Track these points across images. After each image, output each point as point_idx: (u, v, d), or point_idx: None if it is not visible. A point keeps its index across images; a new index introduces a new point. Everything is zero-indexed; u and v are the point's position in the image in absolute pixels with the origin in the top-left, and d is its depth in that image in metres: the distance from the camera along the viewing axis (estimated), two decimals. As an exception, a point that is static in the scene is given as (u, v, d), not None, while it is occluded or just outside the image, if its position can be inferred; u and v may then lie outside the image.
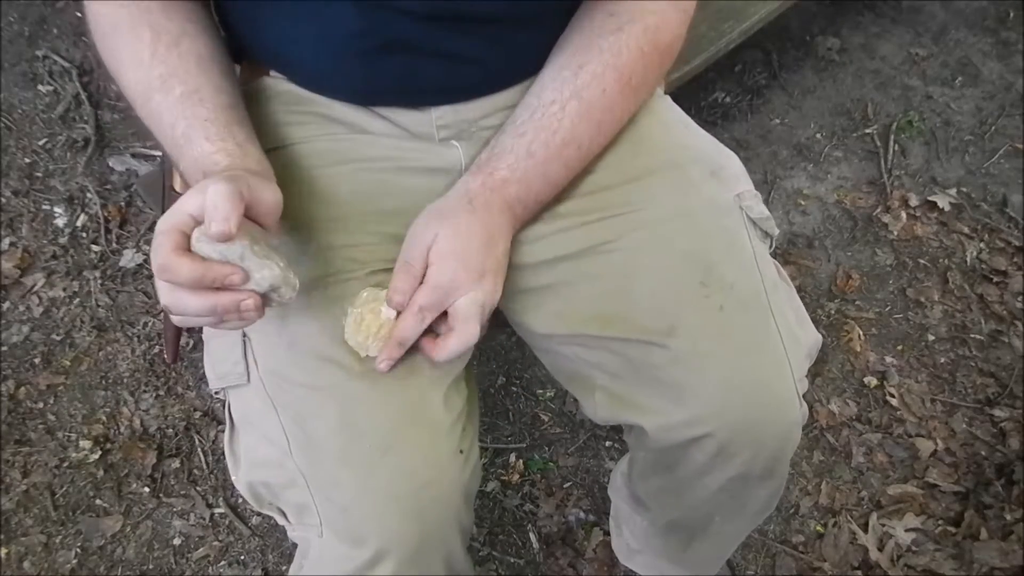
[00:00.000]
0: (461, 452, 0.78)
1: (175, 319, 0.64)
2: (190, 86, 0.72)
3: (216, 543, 1.35)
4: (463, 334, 0.74)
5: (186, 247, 0.61)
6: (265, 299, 0.65)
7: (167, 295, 0.62)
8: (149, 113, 0.74)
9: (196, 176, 0.69)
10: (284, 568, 1.34)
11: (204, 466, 1.42)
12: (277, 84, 0.84)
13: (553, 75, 0.78)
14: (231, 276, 0.62)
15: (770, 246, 0.89)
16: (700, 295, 0.80)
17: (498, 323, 0.88)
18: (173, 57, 0.73)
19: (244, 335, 0.78)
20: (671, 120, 0.91)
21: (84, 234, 1.64)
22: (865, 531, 1.41)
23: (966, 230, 1.79)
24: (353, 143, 0.81)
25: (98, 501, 1.37)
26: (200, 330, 0.85)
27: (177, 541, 1.35)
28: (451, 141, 0.82)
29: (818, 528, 1.42)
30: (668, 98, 0.94)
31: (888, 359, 1.61)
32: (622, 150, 0.84)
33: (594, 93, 0.77)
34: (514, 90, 0.83)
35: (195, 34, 0.75)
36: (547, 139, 0.77)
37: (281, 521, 0.81)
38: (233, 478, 0.82)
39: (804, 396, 0.84)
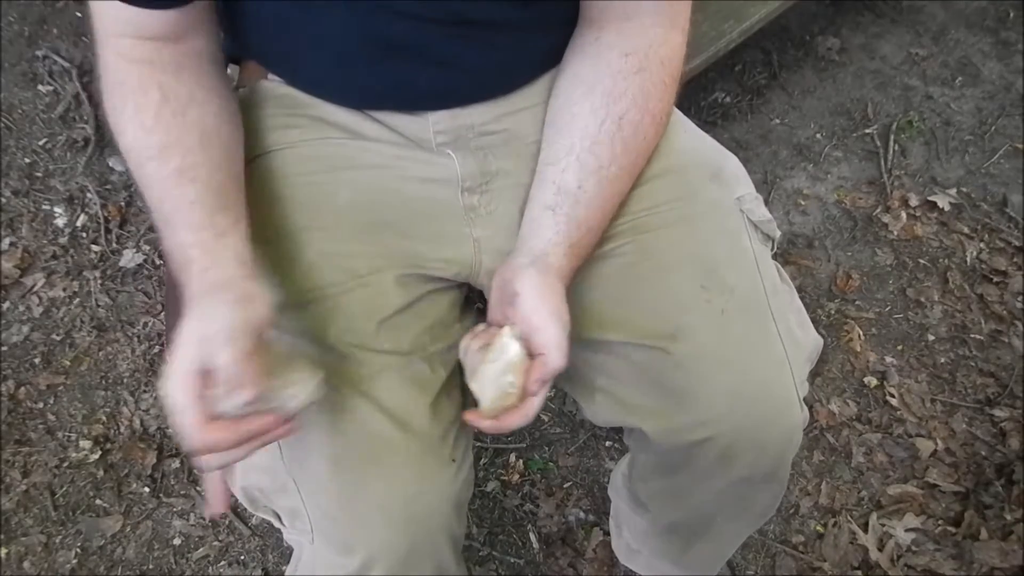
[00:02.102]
0: (453, 461, 0.78)
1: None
2: (187, 161, 0.70)
3: (216, 543, 1.35)
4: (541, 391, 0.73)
5: (210, 413, 0.62)
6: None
7: (213, 461, 0.64)
8: (140, 178, 0.72)
9: (177, 259, 0.69)
10: (284, 568, 1.34)
11: (204, 466, 1.42)
12: (275, 87, 0.83)
13: (596, 126, 0.77)
14: (270, 427, 0.64)
15: (771, 249, 0.88)
16: (702, 299, 0.80)
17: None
18: (177, 126, 0.71)
19: None
20: (671, 124, 0.91)
21: (84, 234, 1.64)
22: (865, 531, 1.41)
23: (966, 230, 1.79)
24: (349, 148, 0.81)
25: (98, 501, 1.37)
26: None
27: (177, 541, 1.35)
28: (447, 151, 0.82)
29: (818, 528, 1.42)
30: None
31: (888, 359, 1.61)
32: None
33: (639, 144, 0.79)
34: (511, 96, 0.82)
35: (204, 101, 0.74)
36: (602, 206, 0.78)
37: (277, 524, 0.82)
38: (228, 482, 0.82)
39: (804, 398, 0.84)
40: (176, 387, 0.62)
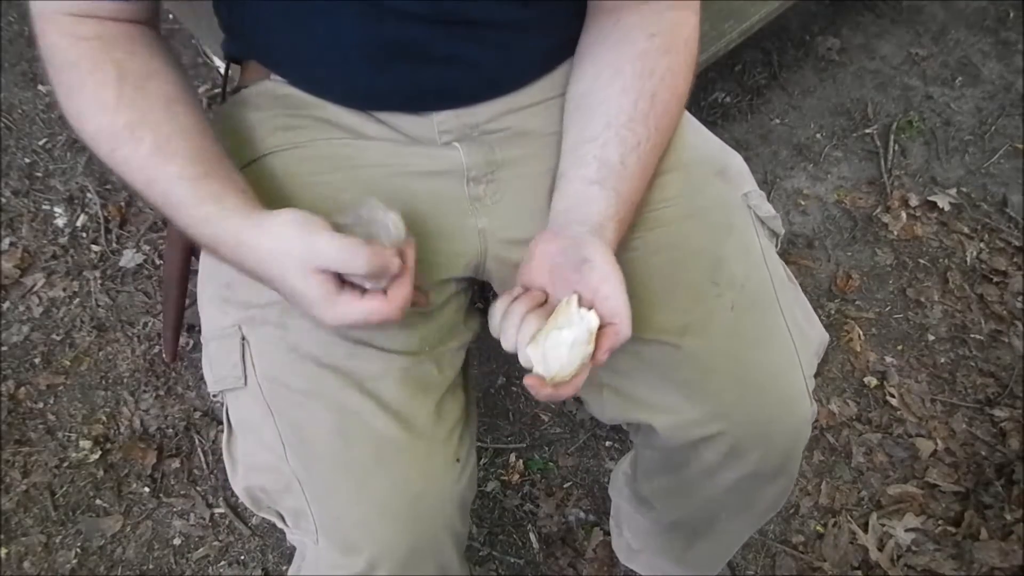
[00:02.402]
0: (457, 461, 0.78)
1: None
2: (161, 135, 0.68)
3: (216, 543, 1.35)
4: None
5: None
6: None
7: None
8: (116, 164, 0.70)
9: (197, 236, 0.69)
10: (284, 568, 1.34)
11: (204, 466, 1.42)
12: (277, 88, 0.83)
13: (631, 104, 0.77)
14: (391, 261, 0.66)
15: (776, 245, 0.89)
16: (711, 294, 0.80)
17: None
18: (140, 100, 0.69)
19: (243, 338, 0.78)
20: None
21: (84, 234, 1.64)
22: (865, 531, 1.41)
23: (966, 230, 1.79)
24: (352, 148, 0.81)
25: (98, 501, 1.37)
26: (199, 330, 0.85)
27: (177, 541, 1.35)
28: (452, 143, 0.82)
29: (818, 528, 1.42)
30: None
31: (888, 359, 1.61)
32: None
33: (669, 123, 0.79)
34: (516, 94, 0.82)
35: (161, 71, 0.72)
36: (641, 184, 0.77)
37: (280, 524, 0.81)
38: (231, 482, 0.82)
39: (812, 392, 0.84)
40: (346, 312, 0.65)
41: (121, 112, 0.68)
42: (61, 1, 0.69)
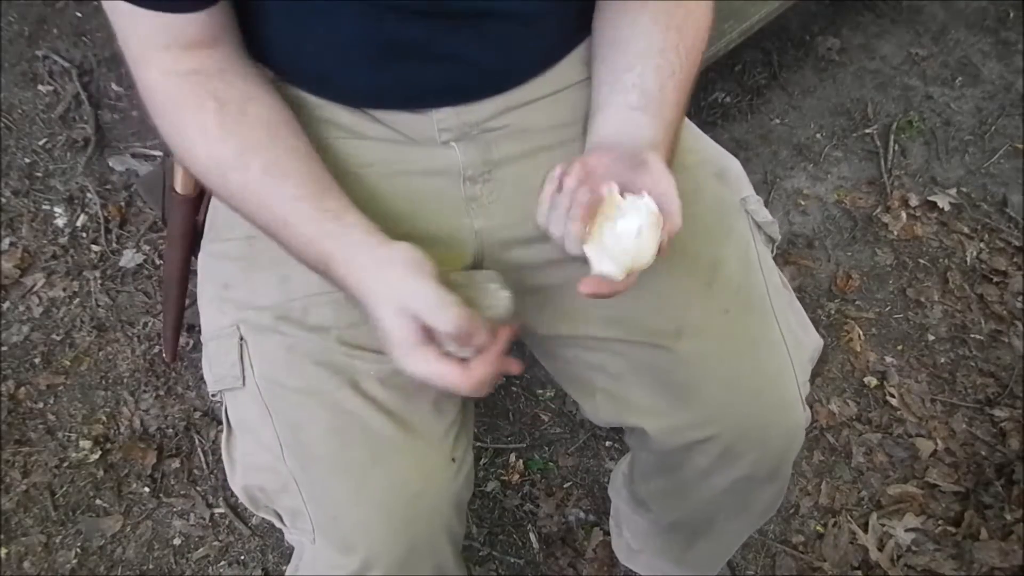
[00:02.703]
0: (454, 460, 0.78)
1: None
2: (268, 158, 0.70)
3: (216, 543, 1.35)
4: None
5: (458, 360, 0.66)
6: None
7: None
8: (227, 192, 0.72)
9: (309, 257, 0.70)
10: (284, 568, 1.33)
11: (204, 466, 1.42)
12: (279, 88, 0.83)
13: (660, 35, 0.76)
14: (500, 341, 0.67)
15: (772, 250, 0.89)
16: (706, 297, 0.80)
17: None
18: (243, 128, 0.70)
19: (241, 339, 0.78)
20: None
21: (84, 234, 1.64)
22: (865, 531, 1.41)
23: (966, 230, 1.79)
24: (350, 146, 0.81)
25: (98, 501, 1.37)
26: (199, 330, 0.85)
27: (177, 541, 1.35)
28: (450, 143, 0.81)
29: (818, 528, 1.42)
30: None
31: (888, 359, 1.61)
32: None
33: (694, 59, 0.77)
34: (517, 91, 0.82)
35: (256, 96, 0.73)
36: (679, 115, 0.76)
37: (278, 524, 0.82)
38: (230, 482, 0.82)
39: (805, 398, 0.84)
40: (419, 364, 0.65)
41: (227, 140, 0.70)
42: (154, 38, 0.69)
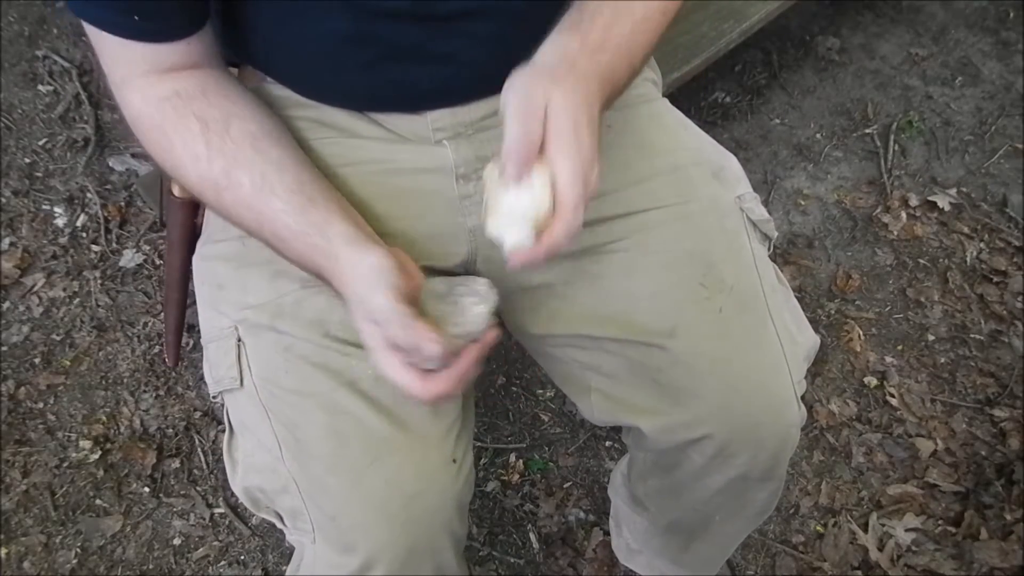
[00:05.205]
0: (454, 461, 0.78)
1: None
2: (255, 175, 0.70)
3: (216, 543, 1.35)
4: (573, 222, 0.62)
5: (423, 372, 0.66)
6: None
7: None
8: (224, 209, 0.73)
9: (308, 268, 0.72)
10: (284, 568, 1.33)
11: (204, 466, 1.42)
12: (272, 89, 0.83)
13: None
14: (473, 356, 0.68)
15: (768, 249, 0.89)
16: (700, 296, 0.80)
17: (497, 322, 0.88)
18: (228, 145, 0.71)
19: (239, 340, 0.78)
20: (671, 122, 0.91)
21: (84, 234, 1.64)
22: (865, 531, 1.41)
23: (966, 230, 1.79)
24: (342, 146, 0.81)
25: (98, 501, 1.37)
26: (199, 329, 0.85)
27: (177, 541, 1.35)
28: (443, 141, 0.81)
29: (818, 528, 1.42)
30: (667, 100, 0.94)
31: (888, 359, 1.61)
32: (624, 153, 0.84)
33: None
34: None
35: (238, 113, 0.73)
36: (629, 11, 0.70)
37: (278, 524, 0.82)
38: (231, 482, 0.82)
39: (803, 397, 0.84)
40: (387, 369, 0.66)
41: (213, 160, 0.70)
42: (138, 65, 0.70)
